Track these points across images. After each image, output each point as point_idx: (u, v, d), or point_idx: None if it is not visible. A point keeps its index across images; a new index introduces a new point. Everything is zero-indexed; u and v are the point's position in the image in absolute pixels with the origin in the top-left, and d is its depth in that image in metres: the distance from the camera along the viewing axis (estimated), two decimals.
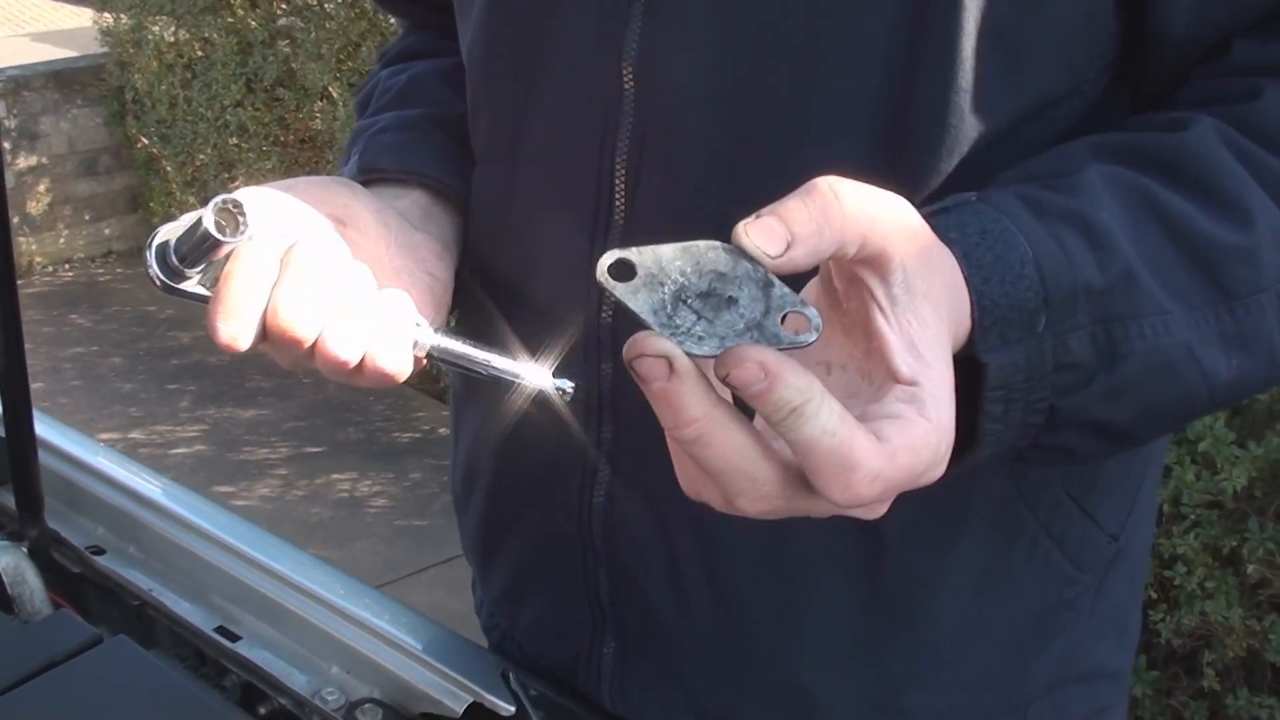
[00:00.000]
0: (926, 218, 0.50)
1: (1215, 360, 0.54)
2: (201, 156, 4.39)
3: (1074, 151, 0.57)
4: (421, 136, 0.73)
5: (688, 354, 0.39)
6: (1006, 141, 0.58)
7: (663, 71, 0.61)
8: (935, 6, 0.55)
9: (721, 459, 0.42)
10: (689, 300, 0.39)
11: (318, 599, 0.84)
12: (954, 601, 0.68)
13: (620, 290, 0.38)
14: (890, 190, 0.54)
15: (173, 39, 4.40)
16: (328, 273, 0.54)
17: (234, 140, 4.20)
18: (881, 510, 0.45)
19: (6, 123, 4.49)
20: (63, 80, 4.75)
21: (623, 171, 0.63)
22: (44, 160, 4.71)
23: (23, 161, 4.61)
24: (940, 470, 0.45)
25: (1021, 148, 0.59)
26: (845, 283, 0.46)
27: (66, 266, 4.81)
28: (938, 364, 0.45)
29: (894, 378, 0.44)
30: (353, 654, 0.81)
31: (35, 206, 4.70)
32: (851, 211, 0.42)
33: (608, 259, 0.39)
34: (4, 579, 0.92)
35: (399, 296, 0.57)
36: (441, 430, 3.28)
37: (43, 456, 0.98)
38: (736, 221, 0.55)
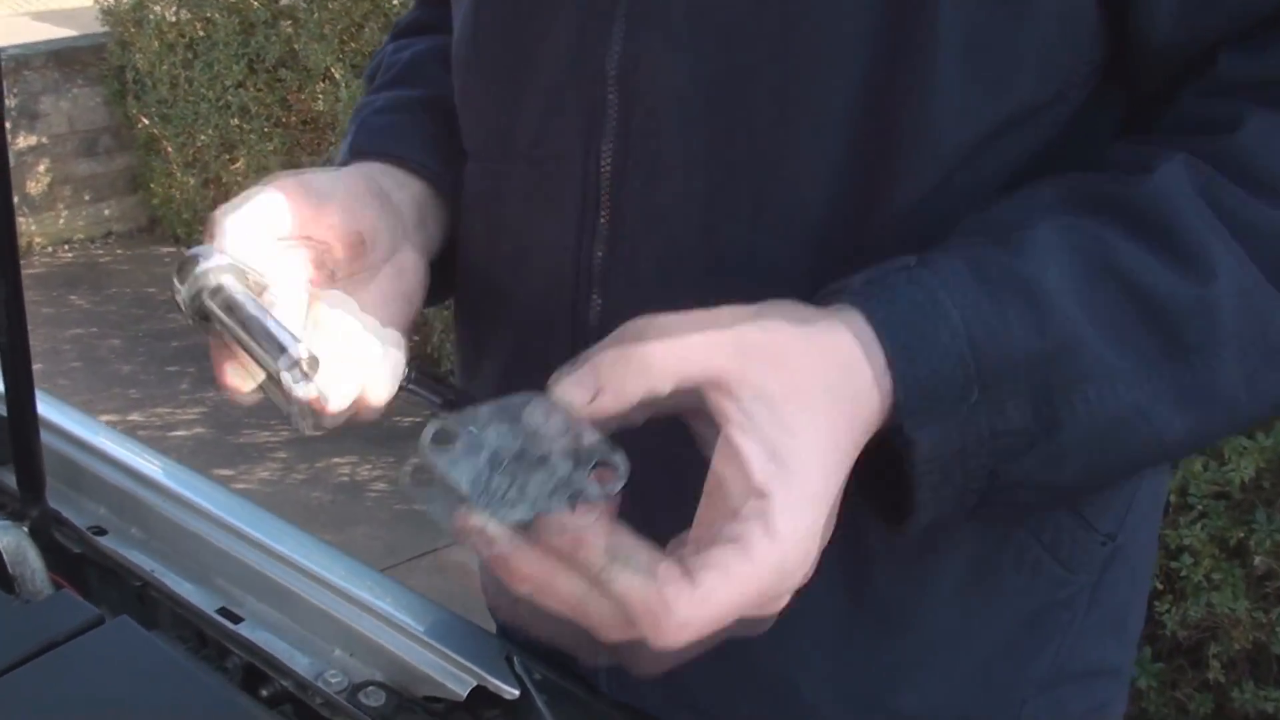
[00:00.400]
0: (863, 285, 0.51)
1: (1168, 417, 0.54)
2: (203, 137, 4.38)
3: (1038, 196, 0.56)
4: (414, 119, 0.74)
5: (504, 521, 0.41)
6: (989, 149, 0.58)
7: (645, 75, 0.61)
8: (909, 13, 0.55)
9: (564, 602, 0.44)
10: (504, 463, 0.41)
11: (321, 581, 0.84)
12: (942, 607, 0.68)
13: (442, 462, 0.41)
14: (876, 198, 0.56)
15: (174, 18, 4.39)
16: (335, 339, 0.55)
17: (235, 121, 4.20)
18: (763, 628, 0.47)
19: (6, 102, 4.48)
20: (63, 59, 4.75)
21: (608, 174, 0.63)
22: (44, 140, 4.71)
23: (22, 141, 4.61)
24: (797, 580, 0.46)
25: (1005, 156, 0.58)
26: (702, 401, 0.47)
27: (66, 247, 4.81)
28: (804, 468, 0.46)
29: (749, 489, 0.45)
30: (356, 636, 0.81)
31: (35, 186, 4.70)
32: (655, 355, 0.45)
33: (431, 429, 0.42)
34: (5, 559, 0.92)
35: (394, 353, 0.57)
36: None
37: (45, 436, 0.98)
38: (718, 230, 0.58)
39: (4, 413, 0.98)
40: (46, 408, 1.01)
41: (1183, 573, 1.77)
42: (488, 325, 0.74)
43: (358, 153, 0.71)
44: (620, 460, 0.42)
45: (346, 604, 0.82)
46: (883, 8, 0.55)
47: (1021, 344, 0.51)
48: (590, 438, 0.42)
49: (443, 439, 0.42)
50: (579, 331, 0.66)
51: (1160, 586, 1.83)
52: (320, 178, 0.62)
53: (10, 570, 0.92)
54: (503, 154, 0.69)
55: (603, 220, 0.64)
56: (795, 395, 0.47)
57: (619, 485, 0.42)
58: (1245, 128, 0.55)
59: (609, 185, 0.63)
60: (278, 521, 0.90)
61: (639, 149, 0.62)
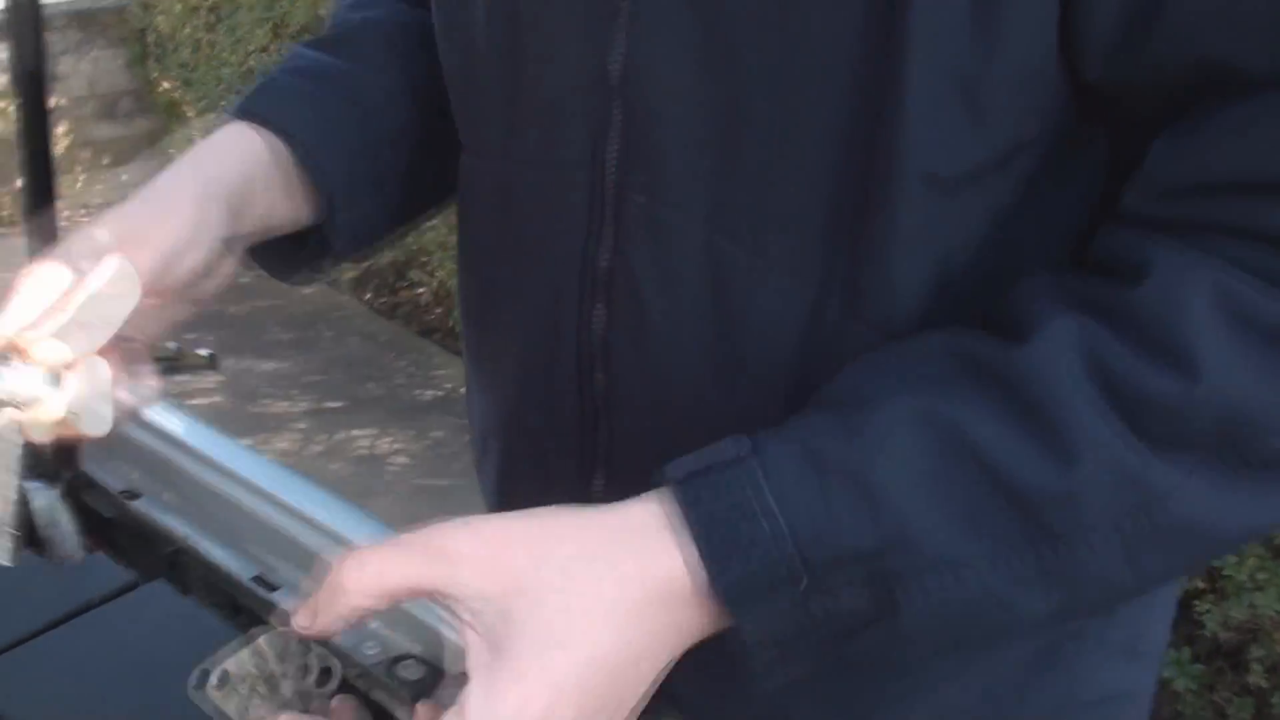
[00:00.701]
0: (687, 476, 0.52)
1: (1030, 599, 0.53)
2: (225, 103, 4.39)
3: (918, 351, 0.56)
4: (321, 94, 0.74)
5: None
6: (978, 183, 0.57)
7: (647, 86, 0.61)
8: (890, 41, 0.55)
9: None
10: (258, 689, 0.52)
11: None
12: None
13: (218, 699, 0.52)
14: (868, 227, 0.57)
15: None
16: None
17: None
18: None
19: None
20: (84, 20, 4.76)
21: (613, 183, 0.64)
22: (63, 102, 4.73)
23: None
24: None
25: (994, 190, 0.58)
26: None
27: (84, 211, 4.84)
28: (520, 656, 0.50)
29: (464, 679, 0.52)
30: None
31: (54, 149, 4.72)
32: (349, 582, 0.52)
33: (207, 676, 0.53)
34: (38, 521, 0.93)
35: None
36: (464, 389, 3.28)
37: None
38: (719, 249, 0.61)
39: None
40: None
41: (1225, 571, 1.76)
42: (492, 328, 0.76)
43: (247, 113, 0.72)
44: (335, 665, 0.53)
45: None
46: (865, 31, 0.55)
47: (852, 538, 0.51)
48: (318, 652, 0.53)
49: (219, 679, 0.53)
50: (584, 340, 0.67)
51: (1201, 585, 1.82)
52: (180, 234, 0.66)
53: (42, 533, 0.93)
54: (508, 156, 0.69)
55: (608, 229, 0.64)
56: (519, 592, 0.51)
57: (334, 684, 0.54)
58: (1149, 281, 0.52)
59: (614, 194, 0.64)
60: (315, 489, 0.90)
61: (642, 160, 0.62)
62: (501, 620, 0.50)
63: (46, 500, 0.94)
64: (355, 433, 3.19)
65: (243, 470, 0.92)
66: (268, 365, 3.54)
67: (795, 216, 0.59)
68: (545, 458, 0.74)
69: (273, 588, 0.85)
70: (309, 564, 0.86)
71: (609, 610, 0.51)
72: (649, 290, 0.64)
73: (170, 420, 0.98)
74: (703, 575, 0.51)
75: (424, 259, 3.59)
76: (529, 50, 0.65)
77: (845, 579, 0.51)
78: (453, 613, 0.52)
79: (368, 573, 0.52)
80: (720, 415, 0.58)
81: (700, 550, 0.51)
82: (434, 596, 0.52)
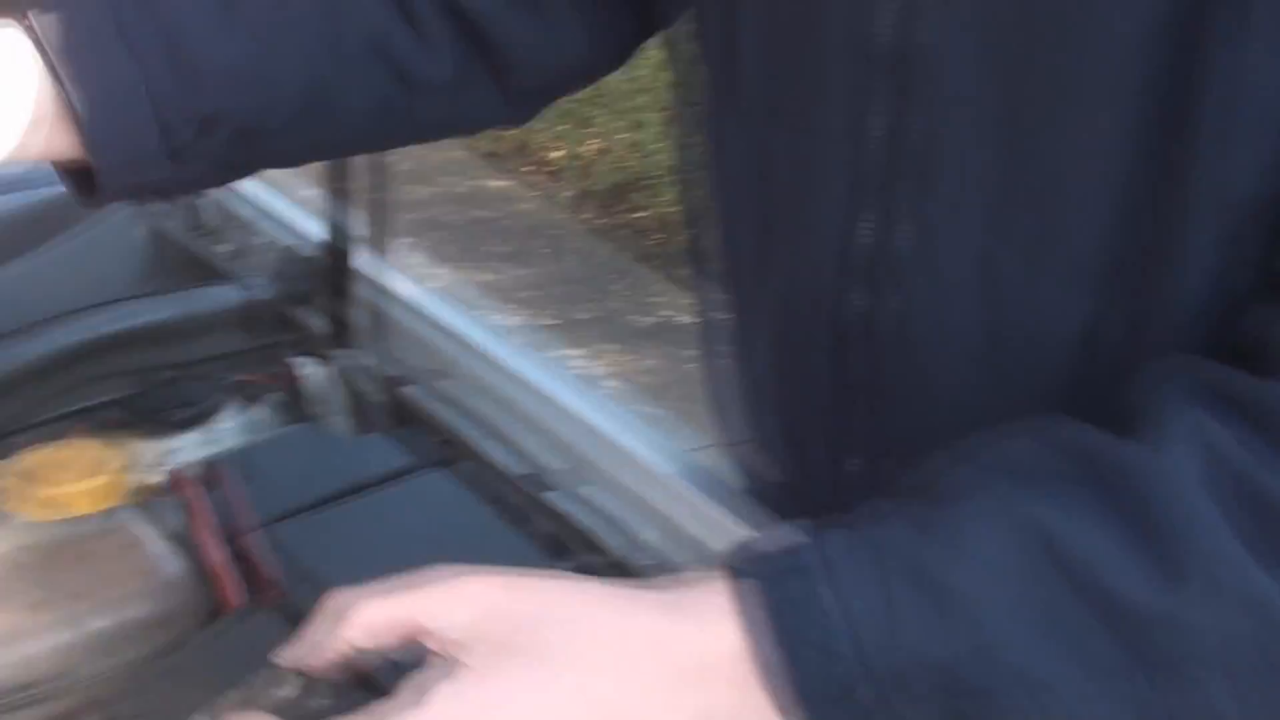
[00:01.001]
0: (744, 562, 0.50)
1: None
2: None
3: (1019, 442, 0.52)
4: (142, 34, 0.68)
5: None
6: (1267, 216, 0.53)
7: (916, 65, 0.59)
8: (1184, 52, 0.51)
9: None
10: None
11: (635, 460, 0.86)
12: None
13: None
14: (1161, 252, 0.54)
15: None
16: None
17: None
18: None
19: None
20: None
21: (877, 167, 0.62)
22: None
23: None
24: None
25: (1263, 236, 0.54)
26: None
27: None
28: (499, 663, 0.48)
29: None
30: (669, 523, 0.83)
31: None
32: (332, 614, 0.52)
33: None
34: (310, 398, 0.99)
35: None
36: (680, 318, 3.31)
37: (356, 284, 1.04)
38: (995, 258, 0.60)
39: (321, 257, 1.05)
40: (361, 257, 1.07)
41: None
42: (748, 296, 0.76)
43: (35, 25, 0.66)
44: (292, 679, 0.55)
45: (660, 488, 0.84)
46: (1162, 35, 0.52)
47: (918, 645, 0.48)
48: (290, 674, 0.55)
49: None
50: (841, 321, 0.67)
51: None
52: None
53: (317, 410, 0.99)
54: (769, 122, 0.68)
55: (870, 211, 0.63)
56: (494, 616, 0.49)
57: (290, 691, 0.56)
58: None
59: (879, 176, 0.62)
60: (595, 394, 0.92)
61: (910, 145, 0.60)
62: (475, 641, 0.49)
63: (323, 378, 1.00)
64: (568, 352, 3.27)
65: (522, 368, 0.94)
66: (483, 277, 3.66)
67: (1077, 227, 0.57)
68: (795, 435, 0.75)
69: (546, 488, 0.88)
70: (583, 467, 0.89)
71: (613, 649, 0.49)
72: (912, 280, 0.63)
73: (447, 311, 1.02)
74: (751, 669, 0.49)
75: (646, 182, 3.62)
76: (792, 11, 0.64)
77: (913, 695, 0.48)
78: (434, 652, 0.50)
79: (348, 604, 0.52)
80: (986, 414, 0.56)
81: (750, 644, 0.48)
82: (413, 631, 0.51)
